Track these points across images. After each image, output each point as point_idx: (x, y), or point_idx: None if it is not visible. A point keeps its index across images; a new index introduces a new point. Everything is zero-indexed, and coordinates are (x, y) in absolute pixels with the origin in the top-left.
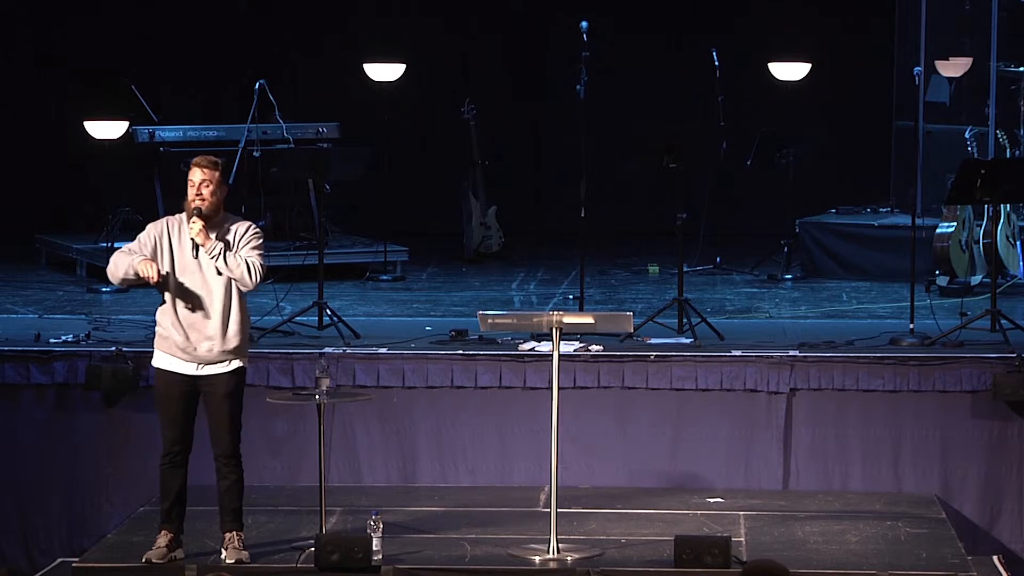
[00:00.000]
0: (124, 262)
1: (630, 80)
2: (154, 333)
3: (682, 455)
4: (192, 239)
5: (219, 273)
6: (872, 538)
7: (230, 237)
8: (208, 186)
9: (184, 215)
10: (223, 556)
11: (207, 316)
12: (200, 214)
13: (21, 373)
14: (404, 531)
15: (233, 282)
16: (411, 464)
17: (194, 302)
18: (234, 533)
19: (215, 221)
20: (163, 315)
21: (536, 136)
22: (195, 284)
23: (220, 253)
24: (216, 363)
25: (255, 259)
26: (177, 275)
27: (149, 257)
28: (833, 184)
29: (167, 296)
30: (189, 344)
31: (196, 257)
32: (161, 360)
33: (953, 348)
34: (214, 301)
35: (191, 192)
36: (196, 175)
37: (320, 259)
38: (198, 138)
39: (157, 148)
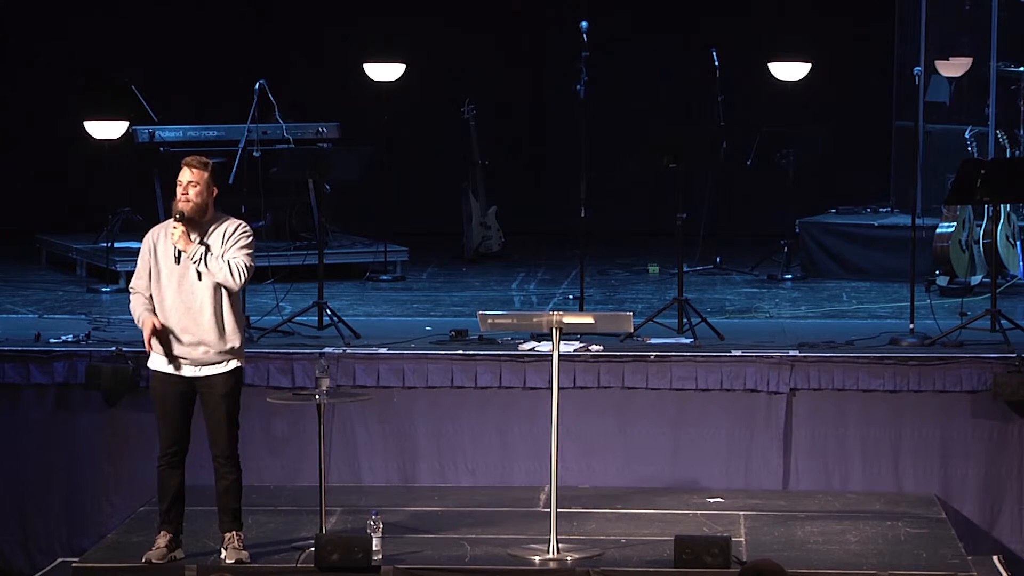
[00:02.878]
0: (137, 310)
1: (630, 80)
2: None
3: (682, 455)
4: (174, 244)
5: (200, 277)
6: (872, 538)
7: (217, 237)
8: (195, 187)
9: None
10: (223, 556)
11: (198, 320)
12: (182, 218)
13: (21, 373)
14: (404, 531)
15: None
16: (411, 464)
17: (186, 307)
18: (234, 533)
19: (203, 222)
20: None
21: (536, 136)
22: (184, 289)
23: (201, 258)
24: (214, 364)
25: (241, 259)
26: (164, 282)
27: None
28: (833, 184)
29: (157, 304)
30: (186, 349)
31: (178, 263)
32: (158, 362)
33: (953, 348)
34: (203, 305)
35: (178, 191)
36: (185, 175)
37: (320, 259)
38: (198, 138)
39: (157, 148)
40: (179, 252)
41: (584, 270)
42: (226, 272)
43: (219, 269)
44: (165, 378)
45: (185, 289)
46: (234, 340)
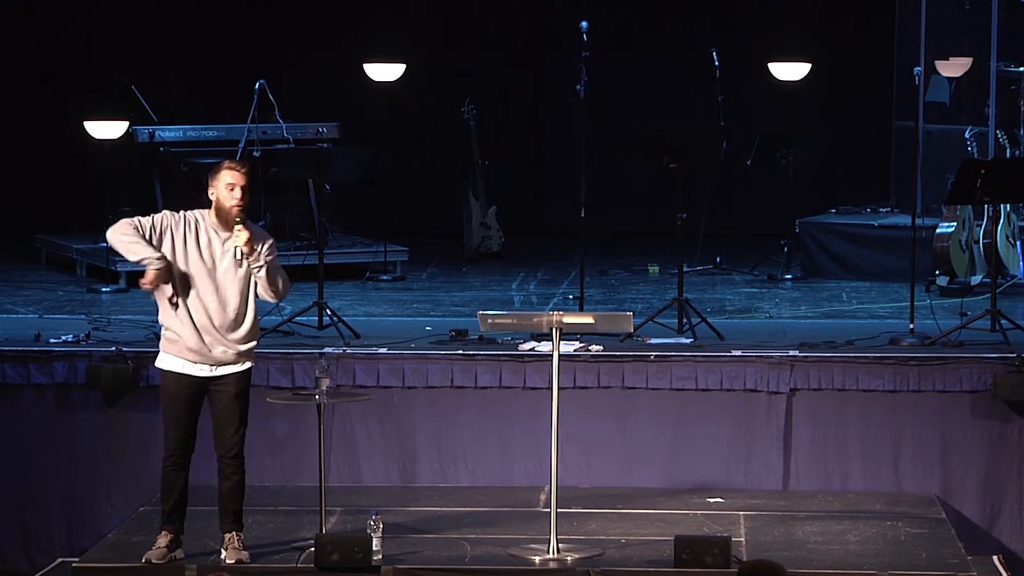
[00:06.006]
0: (135, 242)
1: (630, 80)
2: (155, 334)
3: (682, 455)
4: (239, 247)
5: (235, 277)
6: (872, 538)
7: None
8: (243, 189)
9: (205, 213)
10: (223, 556)
11: (224, 319)
12: (243, 222)
13: (21, 373)
14: (404, 531)
15: (250, 284)
16: (411, 464)
17: (211, 305)
18: (234, 533)
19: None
20: (172, 318)
21: (536, 136)
22: (214, 287)
23: (264, 264)
24: (230, 364)
25: (284, 273)
26: (195, 277)
27: (152, 246)
28: (833, 184)
29: (179, 298)
30: (204, 347)
31: (240, 265)
32: (170, 362)
33: (953, 348)
34: (232, 304)
35: (228, 194)
36: (236, 178)
37: (320, 259)
38: (198, 138)
39: (157, 148)
40: (241, 254)
41: (584, 270)
42: (280, 284)
43: (275, 279)
44: (178, 378)
45: (215, 290)
46: (252, 342)
